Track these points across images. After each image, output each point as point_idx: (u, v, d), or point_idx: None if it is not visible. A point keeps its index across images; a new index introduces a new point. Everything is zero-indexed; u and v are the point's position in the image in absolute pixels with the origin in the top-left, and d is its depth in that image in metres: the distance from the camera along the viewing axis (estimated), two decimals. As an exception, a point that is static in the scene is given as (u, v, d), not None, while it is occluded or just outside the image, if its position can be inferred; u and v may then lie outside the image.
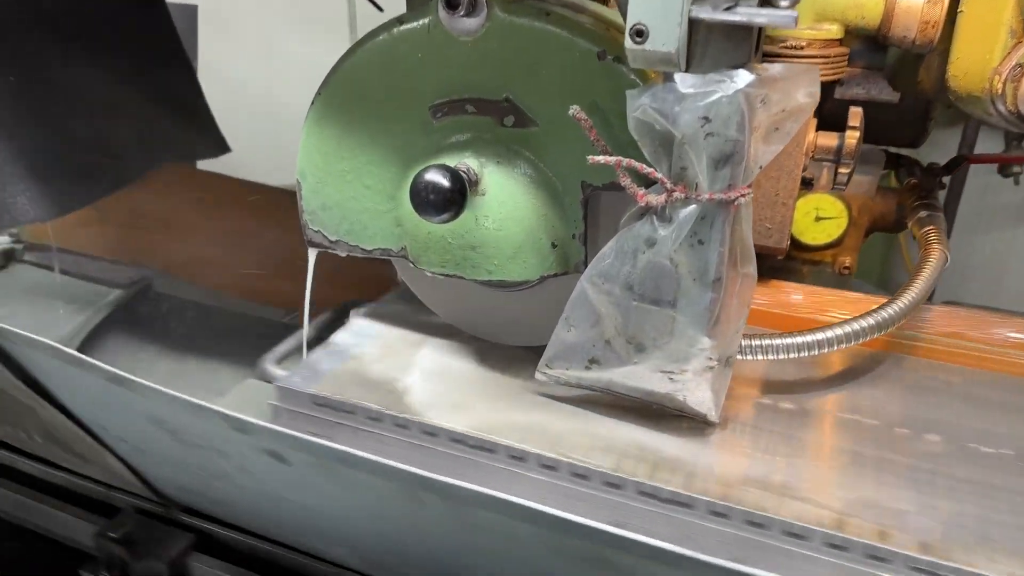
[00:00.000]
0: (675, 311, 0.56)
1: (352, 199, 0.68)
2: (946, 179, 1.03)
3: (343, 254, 0.71)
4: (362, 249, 0.70)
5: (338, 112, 0.66)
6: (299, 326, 0.77)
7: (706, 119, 0.50)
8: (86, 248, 1.22)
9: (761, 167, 0.53)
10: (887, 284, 1.77)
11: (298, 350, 0.82)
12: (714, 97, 0.49)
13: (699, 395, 0.60)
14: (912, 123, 1.00)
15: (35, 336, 0.63)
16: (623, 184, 0.54)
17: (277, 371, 0.82)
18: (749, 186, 0.53)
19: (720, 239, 0.54)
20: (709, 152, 0.51)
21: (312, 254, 0.73)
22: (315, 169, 0.68)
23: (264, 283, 1.15)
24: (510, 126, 0.61)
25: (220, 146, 1.25)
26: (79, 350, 1.00)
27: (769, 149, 0.53)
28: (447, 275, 0.65)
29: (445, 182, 0.57)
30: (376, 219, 0.68)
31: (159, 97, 1.14)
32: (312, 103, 0.67)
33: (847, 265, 0.97)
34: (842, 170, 0.73)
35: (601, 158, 0.54)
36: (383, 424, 0.64)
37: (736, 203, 0.53)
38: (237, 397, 0.86)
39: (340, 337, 0.76)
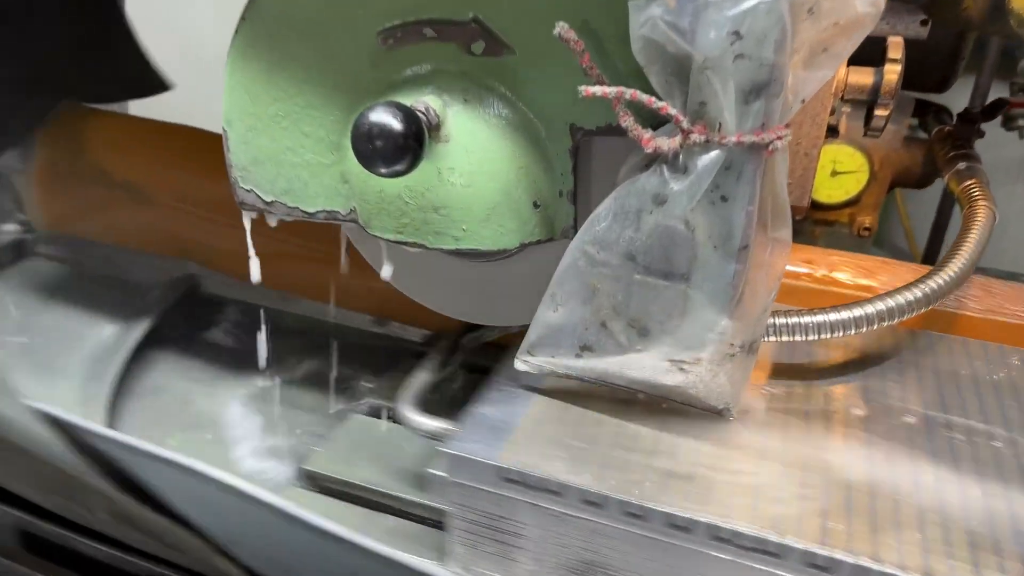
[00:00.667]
0: (689, 286, 0.47)
1: (289, 150, 0.58)
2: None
3: (287, 218, 0.61)
4: (303, 211, 0.60)
5: (267, 42, 0.55)
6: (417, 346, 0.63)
7: (736, 35, 0.39)
8: (113, 236, 0.99)
9: (803, 101, 0.42)
10: (883, 243, 1.70)
11: (432, 386, 0.67)
12: (747, 5, 0.39)
13: (715, 388, 0.49)
14: (940, 64, 0.90)
15: (189, 462, 0.46)
16: (623, 125, 0.44)
17: (425, 421, 0.64)
18: (787, 126, 0.42)
19: (749, 195, 0.43)
20: (738, 80, 0.40)
21: (247, 218, 0.62)
22: (243, 114, 0.58)
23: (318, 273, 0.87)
24: (479, 54, 0.51)
25: (154, 83, 1.09)
26: (125, 371, 0.83)
27: (815, 76, 0.42)
28: (405, 243, 0.55)
29: (395, 124, 0.46)
30: (318, 174, 0.58)
31: (60, 26, 0.97)
32: (236, 31, 0.56)
33: (867, 226, 0.87)
34: (879, 112, 0.62)
35: (596, 88, 0.43)
36: (606, 511, 0.48)
37: (771, 147, 0.42)
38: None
39: (504, 384, 0.57)
